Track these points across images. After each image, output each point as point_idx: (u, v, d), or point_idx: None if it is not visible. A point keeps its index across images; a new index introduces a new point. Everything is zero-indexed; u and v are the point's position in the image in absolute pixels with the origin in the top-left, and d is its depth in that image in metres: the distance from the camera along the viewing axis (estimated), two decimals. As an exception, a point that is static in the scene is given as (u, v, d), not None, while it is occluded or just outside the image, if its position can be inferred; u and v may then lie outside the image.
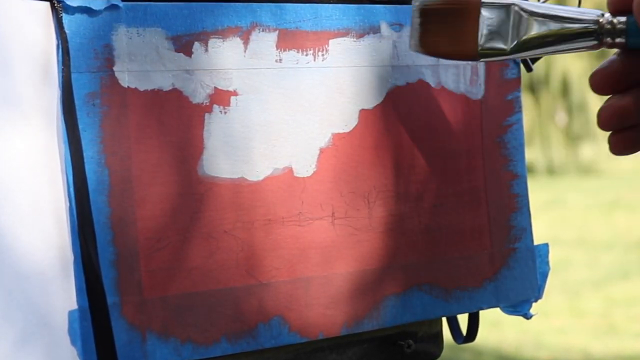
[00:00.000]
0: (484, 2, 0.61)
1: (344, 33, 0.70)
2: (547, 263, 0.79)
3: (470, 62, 0.74)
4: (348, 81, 0.70)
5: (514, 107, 0.77)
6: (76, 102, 0.60)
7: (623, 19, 0.57)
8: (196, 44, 0.64)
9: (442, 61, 0.74)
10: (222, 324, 0.65)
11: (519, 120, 0.77)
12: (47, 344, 0.59)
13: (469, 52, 0.62)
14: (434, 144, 0.73)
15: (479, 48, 0.61)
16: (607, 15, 0.58)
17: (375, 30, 0.71)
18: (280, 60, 0.67)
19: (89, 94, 0.61)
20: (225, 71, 0.65)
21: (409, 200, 0.72)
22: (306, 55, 0.68)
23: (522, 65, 0.78)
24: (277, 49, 0.67)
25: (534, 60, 0.78)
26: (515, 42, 0.60)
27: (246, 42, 0.66)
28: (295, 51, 0.68)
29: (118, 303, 0.61)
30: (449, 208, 0.74)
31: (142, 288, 0.62)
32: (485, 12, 0.60)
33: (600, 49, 0.59)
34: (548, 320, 3.38)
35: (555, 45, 0.60)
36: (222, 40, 0.65)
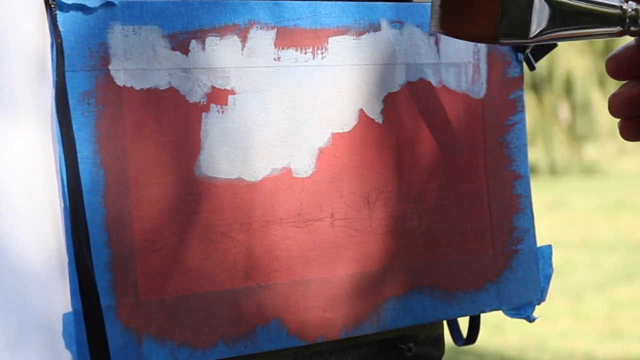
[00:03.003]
0: None
1: (344, 31, 0.69)
2: (550, 265, 0.79)
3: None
4: (348, 80, 0.69)
5: (516, 106, 0.76)
6: (71, 101, 0.59)
7: None
8: (193, 42, 0.64)
9: (444, 60, 0.73)
10: (220, 327, 0.64)
11: (522, 120, 0.77)
12: (42, 347, 0.59)
13: (489, 35, 0.60)
14: (435, 143, 0.72)
15: (500, 32, 0.60)
16: (631, 2, 0.58)
17: (375, 28, 0.70)
18: (279, 58, 0.67)
19: (84, 93, 0.60)
20: (223, 70, 0.65)
21: (410, 201, 0.71)
22: (305, 53, 0.68)
23: (524, 64, 0.77)
24: (275, 47, 0.66)
25: (537, 58, 0.78)
26: (536, 28, 0.59)
27: (244, 40, 0.65)
28: (294, 49, 0.67)
29: (113, 306, 0.60)
30: (451, 209, 0.73)
31: (138, 290, 0.61)
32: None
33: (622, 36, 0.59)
34: (551, 324, 3.37)
35: (578, 31, 0.59)
36: (219, 38, 0.65)
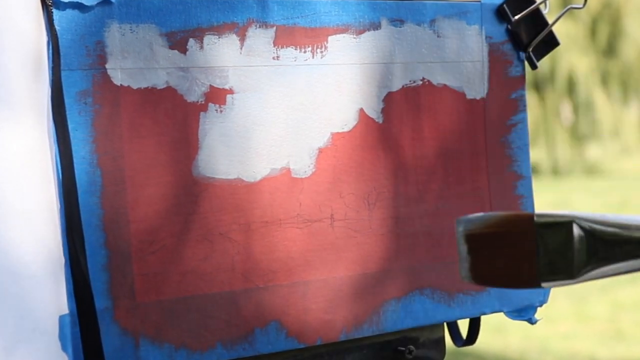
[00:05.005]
0: (538, 222, 0.51)
1: (343, 29, 0.68)
2: (553, 266, 0.78)
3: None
4: (348, 79, 0.69)
5: (518, 106, 0.76)
6: (67, 100, 0.59)
7: None
8: (191, 41, 0.63)
9: (444, 59, 0.72)
10: (218, 329, 0.63)
11: (524, 120, 0.77)
12: (39, 349, 0.58)
13: (528, 280, 0.53)
14: (435, 143, 0.72)
15: (540, 274, 0.52)
16: None
17: (375, 26, 0.70)
18: (278, 57, 0.66)
19: (80, 92, 0.60)
20: (221, 69, 0.64)
21: (411, 201, 0.71)
22: (304, 52, 0.67)
23: (526, 63, 0.77)
24: (274, 46, 0.66)
25: (539, 57, 0.77)
26: (581, 264, 0.51)
27: (242, 38, 0.65)
28: (293, 48, 0.67)
29: (110, 307, 0.60)
30: (452, 210, 0.73)
31: (135, 292, 0.61)
32: (542, 234, 0.52)
33: None
34: (553, 326, 3.36)
35: (626, 262, 0.52)
36: (217, 36, 0.64)
